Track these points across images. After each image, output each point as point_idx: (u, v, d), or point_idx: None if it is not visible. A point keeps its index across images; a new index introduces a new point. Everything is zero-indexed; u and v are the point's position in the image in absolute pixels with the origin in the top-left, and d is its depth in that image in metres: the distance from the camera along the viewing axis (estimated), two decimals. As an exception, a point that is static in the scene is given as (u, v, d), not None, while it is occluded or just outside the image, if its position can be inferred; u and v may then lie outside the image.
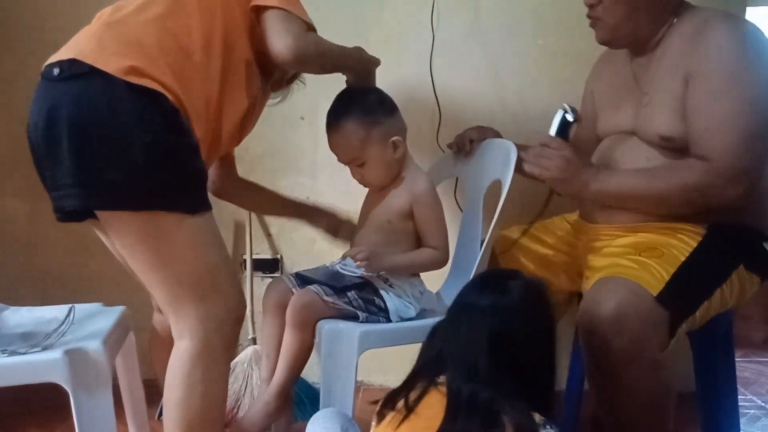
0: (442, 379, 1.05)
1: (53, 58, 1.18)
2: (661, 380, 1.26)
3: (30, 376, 1.27)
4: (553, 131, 1.40)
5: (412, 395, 1.06)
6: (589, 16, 1.44)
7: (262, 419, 1.42)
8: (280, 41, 1.31)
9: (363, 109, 1.45)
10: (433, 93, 1.92)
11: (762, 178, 1.34)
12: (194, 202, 1.21)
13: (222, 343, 1.25)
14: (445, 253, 1.49)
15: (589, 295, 1.29)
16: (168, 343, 1.48)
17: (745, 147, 1.28)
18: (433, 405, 1.03)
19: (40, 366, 1.25)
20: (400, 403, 1.06)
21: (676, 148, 1.36)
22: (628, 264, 1.31)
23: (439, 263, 1.50)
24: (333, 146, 1.49)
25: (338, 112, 1.46)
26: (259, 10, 1.32)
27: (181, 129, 1.18)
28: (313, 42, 1.36)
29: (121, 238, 1.22)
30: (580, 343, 1.29)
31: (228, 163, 1.63)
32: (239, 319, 1.30)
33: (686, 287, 1.29)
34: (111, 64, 1.13)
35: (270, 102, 1.55)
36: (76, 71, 1.13)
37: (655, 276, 1.27)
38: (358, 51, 1.52)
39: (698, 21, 1.36)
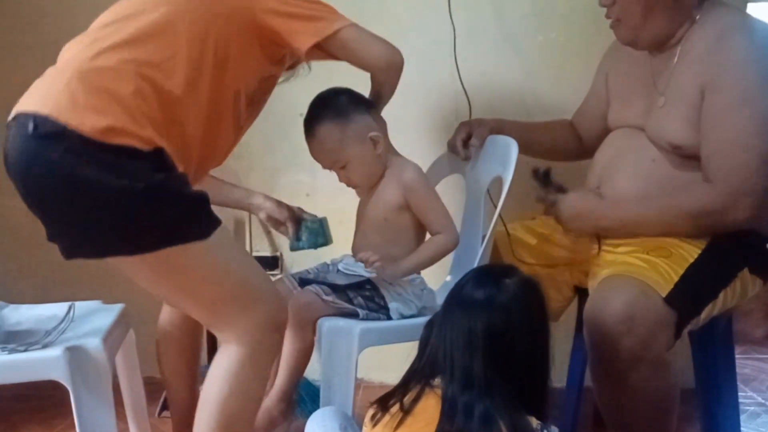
0: (437, 381, 1.05)
1: (27, 106, 1.11)
2: (668, 380, 1.26)
3: (30, 374, 1.28)
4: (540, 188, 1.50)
5: (408, 398, 1.05)
6: (608, 17, 1.43)
7: (266, 425, 1.41)
8: (375, 51, 1.33)
9: (335, 110, 1.43)
10: (460, 84, 1.88)
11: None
12: (204, 226, 1.16)
13: (268, 348, 1.24)
14: (453, 233, 1.45)
15: (596, 293, 1.29)
16: (178, 339, 1.48)
17: (754, 168, 1.28)
18: (430, 407, 1.02)
19: (40, 363, 1.25)
20: (396, 407, 1.05)
21: (683, 154, 1.35)
22: (637, 262, 1.31)
23: (452, 245, 1.46)
24: (312, 153, 1.49)
25: (311, 118, 1.46)
26: (328, 37, 1.29)
27: (167, 165, 1.14)
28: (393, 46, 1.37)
29: (140, 277, 1.19)
30: (586, 341, 1.29)
31: None
32: (284, 323, 1.28)
33: (694, 289, 1.28)
34: (87, 124, 1.07)
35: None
36: (50, 129, 1.07)
37: (664, 276, 1.27)
38: None
39: (720, 26, 1.34)
